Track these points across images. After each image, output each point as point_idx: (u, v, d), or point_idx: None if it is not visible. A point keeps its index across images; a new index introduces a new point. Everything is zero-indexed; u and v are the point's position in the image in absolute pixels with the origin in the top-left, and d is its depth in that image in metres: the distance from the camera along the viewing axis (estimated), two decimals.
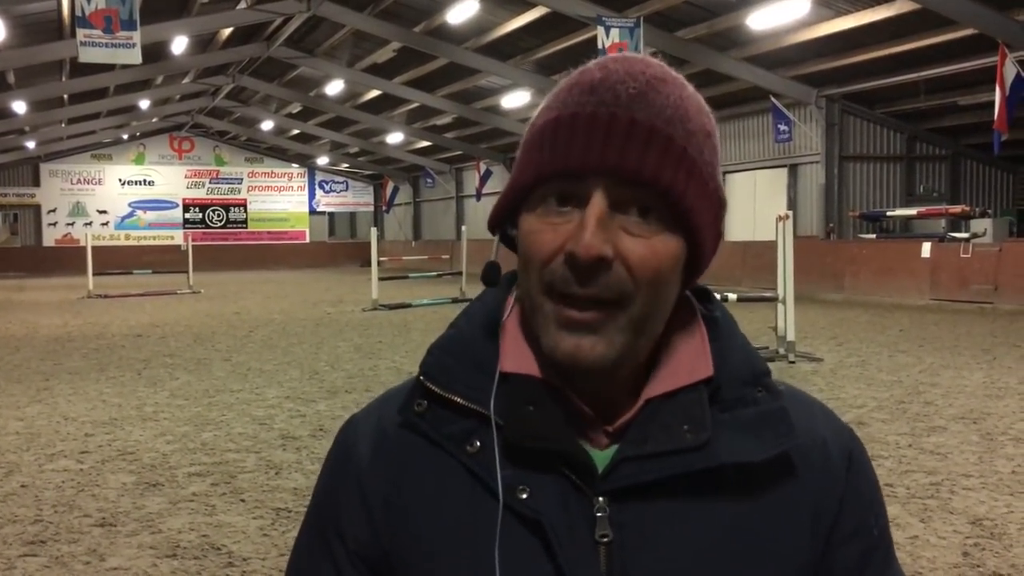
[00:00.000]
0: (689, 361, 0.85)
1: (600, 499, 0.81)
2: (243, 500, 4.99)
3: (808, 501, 0.86)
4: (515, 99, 26.06)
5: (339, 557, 0.89)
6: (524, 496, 0.81)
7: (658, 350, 0.86)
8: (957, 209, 19.73)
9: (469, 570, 0.81)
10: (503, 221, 0.88)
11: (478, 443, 0.83)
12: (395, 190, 41.84)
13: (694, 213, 0.81)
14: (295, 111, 35.01)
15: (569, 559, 0.80)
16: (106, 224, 41.07)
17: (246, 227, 44.04)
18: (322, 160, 44.07)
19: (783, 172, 23.96)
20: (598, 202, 0.78)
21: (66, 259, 35.43)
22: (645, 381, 0.85)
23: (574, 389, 0.84)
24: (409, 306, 17.12)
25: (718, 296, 9.22)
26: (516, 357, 0.86)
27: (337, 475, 0.92)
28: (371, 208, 47.14)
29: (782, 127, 21.76)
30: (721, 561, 0.82)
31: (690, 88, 0.83)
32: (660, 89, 0.80)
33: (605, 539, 0.80)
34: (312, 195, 45.79)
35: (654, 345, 0.86)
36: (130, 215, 41.82)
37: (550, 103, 0.84)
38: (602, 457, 0.83)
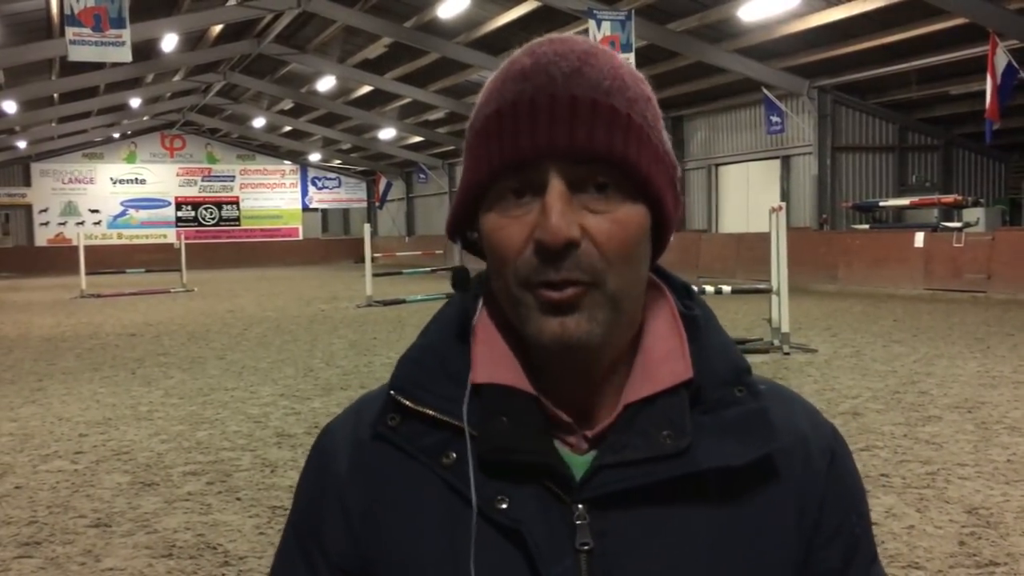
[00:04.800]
0: (668, 363, 0.84)
1: (579, 507, 0.80)
2: (239, 499, 4.98)
3: (791, 502, 0.85)
4: None
5: (319, 570, 0.88)
6: (503, 506, 0.80)
7: (636, 351, 0.85)
8: (950, 198, 19.80)
9: None
10: (461, 227, 0.87)
11: (453, 455, 0.82)
12: (388, 186, 41.79)
13: (652, 179, 0.80)
14: (287, 108, 34.95)
15: (549, 569, 0.78)
16: (98, 223, 41.01)
17: (239, 225, 44.00)
18: (314, 157, 44.01)
19: (776, 164, 23.99)
20: (556, 185, 0.77)
21: (59, 259, 35.31)
22: (624, 385, 0.84)
23: (550, 396, 0.83)
24: (403, 302, 17.09)
25: (711, 289, 9.02)
26: (488, 366, 0.84)
27: (316, 486, 0.90)
28: (364, 204, 47.09)
29: (774, 119, 21.79)
30: (704, 568, 0.80)
31: (620, 58, 0.82)
32: (593, 63, 0.79)
33: (585, 547, 0.79)
34: (305, 192, 45.75)
35: (632, 345, 0.84)
36: (122, 214, 41.75)
37: (486, 99, 0.82)
38: (580, 463, 0.82)
